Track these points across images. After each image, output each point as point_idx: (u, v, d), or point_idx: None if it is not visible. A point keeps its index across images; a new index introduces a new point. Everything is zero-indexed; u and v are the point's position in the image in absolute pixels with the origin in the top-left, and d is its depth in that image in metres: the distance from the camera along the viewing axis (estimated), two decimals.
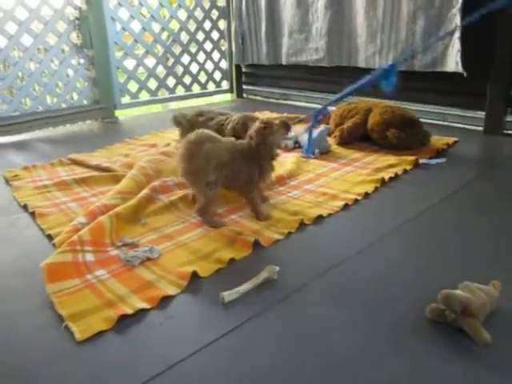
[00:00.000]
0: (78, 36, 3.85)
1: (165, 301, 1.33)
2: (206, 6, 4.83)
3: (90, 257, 1.54)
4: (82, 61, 3.95)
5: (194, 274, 1.44)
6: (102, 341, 1.17)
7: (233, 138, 1.91)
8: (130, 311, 1.27)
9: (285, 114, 3.83)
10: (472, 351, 1.09)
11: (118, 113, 4.24)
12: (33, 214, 1.96)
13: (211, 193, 1.77)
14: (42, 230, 1.83)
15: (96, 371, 1.07)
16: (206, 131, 1.84)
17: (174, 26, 4.64)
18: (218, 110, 2.56)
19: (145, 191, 2.01)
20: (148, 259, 1.54)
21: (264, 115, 3.94)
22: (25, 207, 2.05)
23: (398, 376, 1.03)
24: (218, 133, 2.10)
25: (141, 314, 1.27)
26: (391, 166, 2.44)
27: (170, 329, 1.21)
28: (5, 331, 1.24)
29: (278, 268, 1.42)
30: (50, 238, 1.75)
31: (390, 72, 2.23)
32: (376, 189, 2.16)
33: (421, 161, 2.51)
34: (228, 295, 1.30)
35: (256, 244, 1.63)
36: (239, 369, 1.07)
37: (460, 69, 3.02)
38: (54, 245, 1.65)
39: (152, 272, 1.48)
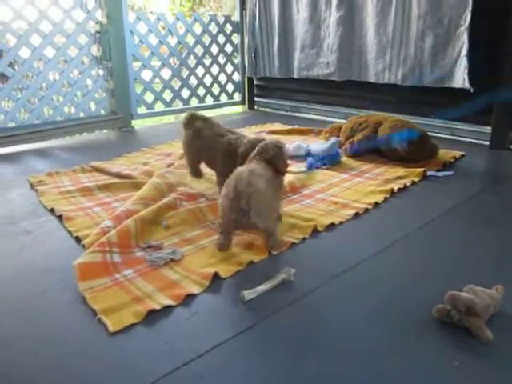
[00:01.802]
0: (98, 49, 4.01)
1: (189, 298, 1.43)
2: (221, 20, 4.99)
3: (117, 258, 1.65)
4: (101, 72, 4.10)
5: (216, 275, 1.54)
6: (133, 333, 1.28)
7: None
8: (157, 307, 1.37)
9: (296, 127, 3.95)
10: (475, 349, 1.18)
11: (134, 123, 4.38)
12: (60, 217, 2.08)
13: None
14: (69, 232, 1.94)
15: (128, 358, 1.18)
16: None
17: (190, 39, 4.80)
18: (228, 127, 2.38)
19: (168, 198, 2.12)
20: (172, 260, 1.65)
21: (275, 127, 4.06)
22: (52, 211, 2.17)
23: (406, 370, 1.12)
24: (228, 153, 2.16)
25: (167, 309, 1.37)
26: (400, 177, 2.54)
27: (195, 323, 1.31)
28: (42, 324, 1.34)
29: (294, 270, 1.52)
30: (77, 239, 1.87)
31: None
32: (385, 199, 2.26)
33: (429, 173, 2.61)
34: (248, 294, 1.40)
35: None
36: (258, 361, 1.17)
37: (467, 85, 3.13)
38: (83, 246, 1.76)
39: (176, 272, 1.58)
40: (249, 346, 1.23)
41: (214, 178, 2.38)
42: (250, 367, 1.15)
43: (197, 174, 2.44)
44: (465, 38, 3.12)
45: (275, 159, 1.84)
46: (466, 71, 3.13)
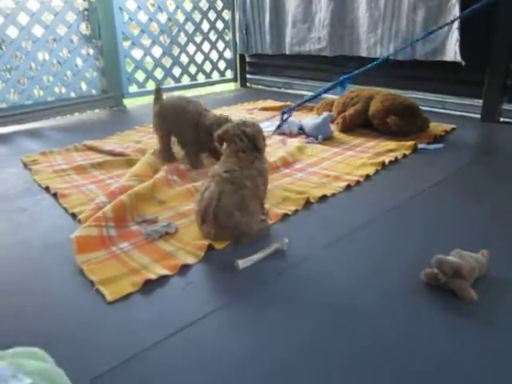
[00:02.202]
0: (87, 27, 3.96)
1: (184, 269, 1.47)
2: None
3: (113, 232, 1.68)
4: (91, 51, 4.06)
5: (210, 247, 1.57)
6: (130, 301, 1.31)
7: None
8: (153, 277, 1.41)
9: (288, 103, 3.95)
10: (460, 309, 1.23)
11: (125, 102, 4.36)
12: (55, 195, 2.10)
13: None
14: (64, 208, 1.96)
15: (125, 325, 1.22)
16: None
17: (180, 16, 4.73)
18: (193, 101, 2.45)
19: (160, 173, 2.14)
20: (167, 233, 1.68)
21: (267, 104, 4.06)
22: (47, 189, 2.18)
23: (396, 328, 1.17)
24: (196, 123, 2.27)
25: (163, 279, 1.41)
26: (391, 150, 2.57)
27: (191, 292, 1.35)
28: (43, 295, 1.38)
29: (287, 240, 1.56)
30: (73, 215, 1.89)
31: (344, 82, 2.91)
32: (377, 171, 2.29)
33: (419, 146, 2.64)
34: (242, 263, 1.44)
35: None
36: (252, 326, 1.21)
37: (458, 58, 3.13)
38: (79, 221, 1.79)
39: (171, 244, 1.62)
40: (244, 312, 1.27)
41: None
42: (243, 332, 1.19)
43: (170, 156, 2.46)
44: (456, 10, 3.11)
45: (254, 138, 1.74)
46: (458, 44, 3.13)
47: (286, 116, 3.01)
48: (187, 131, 2.33)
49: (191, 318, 1.22)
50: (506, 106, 3.25)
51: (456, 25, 3.12)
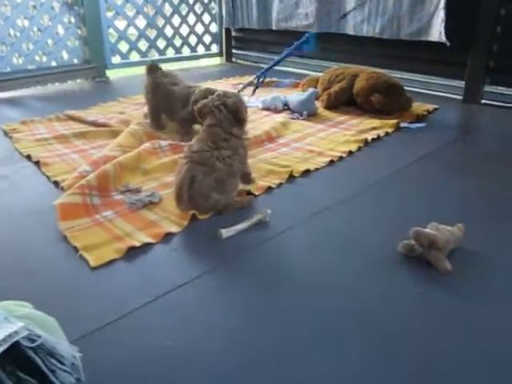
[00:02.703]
0: None
1: (168, 237, 1.49)
2: None
3: (96, 200, 1.68)
4: (72, 19, 3.95)
5: (194, 216, 1.59)
6: (114, 267, 1.33)
7: None
8: (137, 244, 1.42)
9: (274, 79, 3.93)
10: (436, 279, 1.28)
11: (108, 73, 4.27)
12: (37, 163, 2.08)
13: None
14: (47, 177, 1.95)
15: (110, 290, 1.24)
16: None
17: None
18: (181, 79, 2.52)
19: (147, 144, 2.13)
20: (151, 203, 1.69)
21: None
22: (28, 157, 2.16)
23: (374, 297, 1.21)
24: (186, 99, 2.28)
25: (147, 247, 1.43)
26: (374, 128, 2.60)
27: (174, 259, 1.37)
28: (26, 262, 1.38)
29: (270, 211, 1.59)
30: (55, 184, 1.88)
31: (310, 38, 2.94)
32: (359, 148, 2.33)
33: (402, 124, 2.68)
34: (226, 232, 1.47)
35: (249, 193, 1.78)
36: (235, 292, 1.24)
37: (443, 38, 3.15)
38: (62, 188, 1.78)
39: (155, 213, 1.63)
40: (227, 279, 1.30)
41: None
42: (227, 297, 1.22)
43: (158, 125, 2.52)
44: None
45: (236, 109, 1.69)
46: (443, 24, 3.15)
47: (259, 79, 3.11)
48: (175, 110, 2.38)
49: (175, 283, 1.24)
50: (487, 88, 3.30)
51: (442, 4, 3.13)
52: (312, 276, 1.30)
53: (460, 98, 3.40)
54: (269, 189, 1.84)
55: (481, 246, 1.45)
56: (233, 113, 1.69)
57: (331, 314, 1.14)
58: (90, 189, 1.69)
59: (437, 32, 3.20)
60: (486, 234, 1.53)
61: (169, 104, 2.42)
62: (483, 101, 3.34)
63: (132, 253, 1.39)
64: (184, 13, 4.82)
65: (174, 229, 1.52)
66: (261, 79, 3.11)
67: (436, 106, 3.14)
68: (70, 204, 1.58)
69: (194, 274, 1.29)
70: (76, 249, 1.40)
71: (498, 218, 1.65)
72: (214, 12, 5.14)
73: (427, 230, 1.36)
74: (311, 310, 1.15)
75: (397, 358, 1.00)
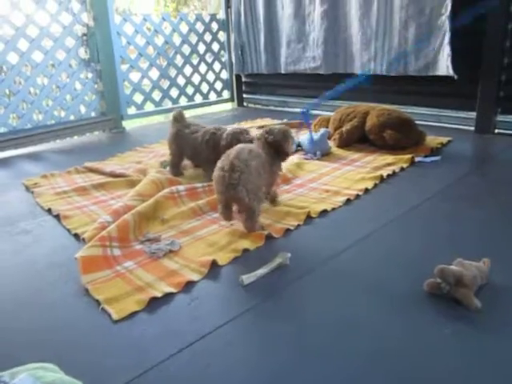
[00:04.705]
0: (85, 51, 4.04)
1: (189, 286, 1.48)
2: (206, 19, 5.03)
3: (117, 251, 1.69)
4: (89, 75, 4.12)
5: (214, 263, 1.59)
6: (136, 319, 1.32)
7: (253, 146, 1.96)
8: (159, 294, 1.42)
9: (285, 120, 4.00)
10: (465, 317, 1.24)
11: (124, 123, 4.41)
12: (57, 217, 2.11)
13: (260, 205, 1.87)
14: (68, 230, 1.98)
15: (133, 342, 1.22)
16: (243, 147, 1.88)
17: (176, 39, 4.83)
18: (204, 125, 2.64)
19: (165, 190, 2.16)
20: (170, 251, 1.70)
21: (265, 122, 4.10)
22: (49, 211, 2.20)
23: (401, 338, 1.18)
24: (213, 142, 2.37)
25: (169, 297, 1.42)
26: (389, 164, 2.60)
27: (197, 308, 1.36)
28: (49, 315, 1.39)
29: (289, 254, 1.58)
30: (76, 236, 1.90)
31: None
32: (375, 185, 2.32)
33: (416, 159, 2.68)
34: (246, 278, 1.45)
35: (268, 236, 1.78)
36: (260, 339, 1.22)
37: (451, 72, 3.20)
38: (83, 240, 1.81)
39: (175, 262, 1.63)
40: (250, 326, 1.28)
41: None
42: (252, 345, 1.20)
43: (177, 172, 2.60)
44: (446, 26, 3.19)
45: (282, 141, 1.95)
46: (450, 59, 3.20)
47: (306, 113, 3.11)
48: (201, 155, 2.47)
49: (199, 333, 1.23)
50: (499, 118, 3.31)
51: (447, 40, 3.19)
52: (336, 319, 1.27)
53: (472, 128, 3.40)
54: (287, 231, 1.84)
55: (508, 278, 1.41)
56: (275, 147, 1.95)
57: (358, 356, 1.11)
58: (111, 240, 1.71)
59: (444, 66, 3.25)
60: None
61: (194, 152, 2.52)
62: (496, 130, 3.34)
63: (154, 303, 1.38)
64: (195, 62, 4.99)
65: (194, 277, 1.52)
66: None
67: (449, 138, 3.15)
68: (91, 256, 1.59)
69: (217, 323, 1.27)
70: (98, 302, 1.40)
71: None
72: (223, 60, 5.31)
73: (452, 267, 1.33)
74: (337, 357, 1.12)
75: None
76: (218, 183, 1.78)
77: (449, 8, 3.15)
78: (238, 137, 2.27)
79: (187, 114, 4.80)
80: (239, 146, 1.87)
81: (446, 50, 3.21)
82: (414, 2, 3.35)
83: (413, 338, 1.18)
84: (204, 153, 2.43)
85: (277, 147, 1.96)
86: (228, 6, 5.11)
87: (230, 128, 2.42)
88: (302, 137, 3.07)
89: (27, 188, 2.60)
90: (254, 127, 3.73)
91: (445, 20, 3.19)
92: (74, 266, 1.57)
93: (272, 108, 5.10)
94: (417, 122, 3.05)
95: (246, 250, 1.69)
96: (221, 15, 5.19)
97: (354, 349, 1.15)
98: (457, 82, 3.22)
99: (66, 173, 2.83)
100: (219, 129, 2.45)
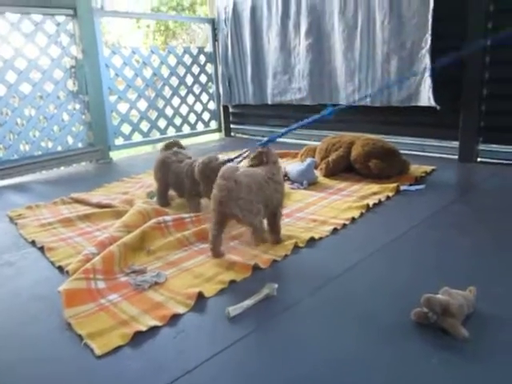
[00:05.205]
0: (73, 83, 4.07)
1: (175, 319, 1.45)
2: (194, 52, 5.13)
3: (101, 284, 1.66)
4: (77, 106, 4.14)
5: (200, 295, 1.57)
6: (120, 354, 1.29)
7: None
8: (143, 328, 1.39)
9: None
10: (453, 347, 1.23)
11: (112, 154, 4.41)
12: (41, 249, 2.08)
13: (261, 220, 1.88)
14: (51, 262, 1.94)
15: (116, 379, 1.19)
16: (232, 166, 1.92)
17: (165, 71, 4.90)
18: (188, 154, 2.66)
19: (152, 221, 2.15)
20: (156, 283, 1.67)
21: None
22: (33, 243, 2.17)
23: (391, 369, 1.16)
24: (191, 176, 2.38)
25: (154, 330, 1.39)
26: (375, 193, 2.63)
27: (182, 341, 1.33)
28: (31, 349, 1.35)
29: (276, 285, 1.56)
30: (60, 269, 1.87)
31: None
32: (362, 214, 2.34)
33: (402, 187, 2.71)
34: (233, 310, 1.43)
35: (255, 267, 1.77)
36: (247, 372, 1.19)
37: (432, 103, 3.29)
38: (67, 272, 1.78)
39: (160, 294, 1.60)
40: (236, 360, 1.25)
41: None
42: (238, 380, 1.17)
43: (164, 202, 2.61)
44: (427, 59, 3.30)
45: (265, 155, 2.07)
46: (431, 90, 3.29)
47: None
48: (183, 186, 2.47)
49: (183, 368, 1.20)
50: (481, 147, 3.39)
51: (428, 72, 3.29)
52: (323, 350, 1.25)
53: (456, 157, 3.47)
54: (274, 262, 1.83)
55: (495, 307, 1.41)
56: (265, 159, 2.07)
57: None
58: (95, 272, 1.68)
59: (426, 97, 3.34)
60: (498, 294, 1.50)
61: (176, 181, 2.51)
62: (479, 159, 3.41)
63: (138, 337, 1.35)
64: (183, 94, 5.06)
65: (180, 309, 1.49)
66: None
67: (433, 167, 3.20)
68: (74, 289, 1.56)
69: (203, 357, 1.24)
70: (81, 336, 1.37)
71: (508, 276, 1.63)
72: (211, 91, 5.39)
73: (439, 296, 1.33)
74: None
75: None
76: (211, 201, 1.85)
77: (428, 42, 3.26)
78: (209, 164, 2.28)
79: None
80: (225, 166, 1.90)
81: (428, 82, 3.31)
82: (395, 36, 3.47)
83: (401, 368, 1.17)
84: (186, 184, 2.44)
85: (261, 159, 2.07)
86: (215, 39, 5.23)
87: (200, 159, 2.41)
88: (289, 166, 3.10)
89: (11, 219, 2.57)
90: (241, 156, 3.76)
91: (425, 53, 3.30)
92: (57, 298, 1.54)
93: (259, 138, 5.15)
94: (401, 152, 3.11)
95: (232, 282, 1.67)
96: (208, 48, 5.30)
97: (342, 381, 1.13)
98: (439, 113, 3.31)
99: (52, 204, 2.80)
100: (194, 160, 2.46)
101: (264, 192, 1.89)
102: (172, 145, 2.66)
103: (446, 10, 3.22)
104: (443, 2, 3.20)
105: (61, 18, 3.90)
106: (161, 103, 4.88)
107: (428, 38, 3.26)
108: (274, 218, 2.01)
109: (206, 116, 5.37)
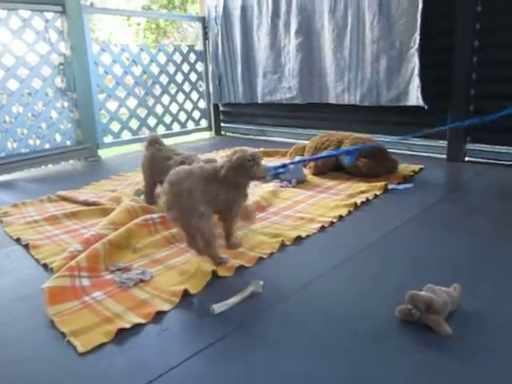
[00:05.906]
0: (62, 80, 4.03)
1: (159, 316, 1.44)
2: (185, 50, 5.11)
3: (86, 282, 1.65)
4: (65, 103, 4.10)
5: (185, 292, 1.56)
6: (103, 352, 1.28)
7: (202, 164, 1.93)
8: (127, 325, 1.37)
9: (262, 149, 4.03)
10: (436, 344, 1.24)
11: (100, 152, 4.37)
12: (26, 246, 2.06)
13: (208, 225, 1.76)
14: (36, 260, 1.92)
15: (99, 376, 1.18)
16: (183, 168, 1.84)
17: (154, 69, 4.87)
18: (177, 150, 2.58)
19: (140, 218, 2.14)
20: (141, 281, 1.66)
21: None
22: (18, 240, 2.14)
23: (374, 367, 1.17)
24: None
25: (138, 328, 1.38)
26: (363, 191, 2.64)
27: (166, 338, 1.33)
28: (12, 348, 1.33)
29: (262, 282, 1.56)
30: (44, 266, 1.85)
31: (353, 152, 2.89)
32: (349, 212, 2.34)
33: (390, 186, 2.72)
34: (218, 307, 1.43)
35: (240, 266, 1.76)
36: (231, 368, 1.19)
37: (421, 102, 3.30)
38: (51, 269, 1.76)
39: (146, 292, 1.59)
40: (220, 357, 1.24)
41: None
42: (222, 377, 1.16)
43: (152, 200, 2.56)
44: (416, 59, 3.31)
45: (254, 168, 1.86)
46: (419, 90, 3.31)
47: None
48: None
49: (167, 365, 1.19)
50: (469, 146, 3.41)
51: (416, 72, 3.31)
52: (308, 347, 1.25)
53: (444, 156, 3.49)
54: (260, 259, 1.83)
55: (478, 304, 1.42)
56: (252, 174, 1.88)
57: None
58: (80, 270, 1.66)
59: (414, 97, 3.36)
60: (482, 291, 1.51)
61: (163, 178, 2.44)
62: (467, 158, 3.44)
63: (122, 335, 1.34)
64: (173, 92, 5.03)
65: (165, 307, 1.48)
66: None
67: (422, 166, 3.22)
68: (58, 287, 1.55)
69: (187, 354, 1.23)
70: (64, 334, 1.35)
71: (492, 273, 1.64)
72: (201, 89, 5.38)
73: (423, 293, 1.34)
74: (311, 383, 1.10)
75: None
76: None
77: (417, 41, 3.28)
78: (184, 162, 2.26)
79: (165, 142, 4.80)
80: (176, 169, 1.83)
81: (416, 82, 3.32)
82: (384, 36, 3.48)
83: (384, 365, 1.17)
84: None
85: (240, 170, 1.83)
86: (206, 37, 5.22)
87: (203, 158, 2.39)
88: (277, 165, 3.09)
89: None
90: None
91: (414, 53, 3.31)
92: (41, 297, 1.52)
93: (250, 137, 5.15)
94: (390, 151, 3.12)
95: (218, 278, 1.67)
96: (199, 46, 5.29)
97: (326, 377, 1.13)
98: (428, 112, 3.32)
99: (39, 201, 2.77)
100: (187, 157, 2.41)
101: (211, 191, 1.78)
102: (153, 141, 2.61)
103: (435, 10, 3.24)
104: (432, 2, 3.21)
105: (49, 15, 3.87)
106: (151, 101, 4.86)
107: (417, 37, 3.27)
108: (224, 221, 1.91)
109: (196, 114, 5.36)
